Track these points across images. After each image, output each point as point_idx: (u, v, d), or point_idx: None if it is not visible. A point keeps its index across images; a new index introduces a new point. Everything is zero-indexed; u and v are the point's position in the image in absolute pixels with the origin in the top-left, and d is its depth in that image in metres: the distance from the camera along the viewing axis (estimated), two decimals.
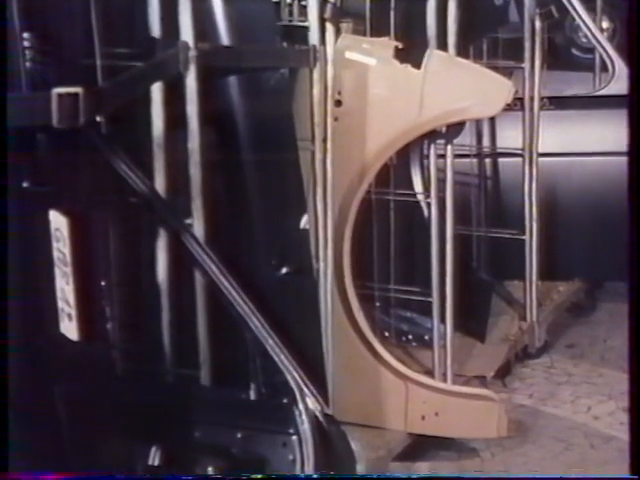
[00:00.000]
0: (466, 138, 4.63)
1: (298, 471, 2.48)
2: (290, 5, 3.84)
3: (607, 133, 5.05)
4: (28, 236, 2.26)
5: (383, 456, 3.99)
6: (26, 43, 2.23)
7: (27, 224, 2.26)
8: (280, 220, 3.37)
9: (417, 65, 3.90)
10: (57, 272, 2.26)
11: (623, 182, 4.80)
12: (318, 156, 3.52)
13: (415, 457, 4.13)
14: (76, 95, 2.14)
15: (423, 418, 4.06)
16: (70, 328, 2.27)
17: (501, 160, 5.08)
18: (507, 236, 4.88)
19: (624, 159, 4.80)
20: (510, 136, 4.95)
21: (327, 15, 3.54)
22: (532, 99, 4.83)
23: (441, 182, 4.13)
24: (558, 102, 5.07)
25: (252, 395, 2.71)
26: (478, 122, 4.88)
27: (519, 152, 4.86)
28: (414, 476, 2.62)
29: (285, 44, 3.60)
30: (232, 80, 3.18)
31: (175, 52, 2.91)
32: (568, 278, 5.37)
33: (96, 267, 2.31)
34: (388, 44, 4.00)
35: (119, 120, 2.59)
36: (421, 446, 4.16)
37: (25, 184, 2.23)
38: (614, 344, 5.10)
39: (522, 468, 4.15)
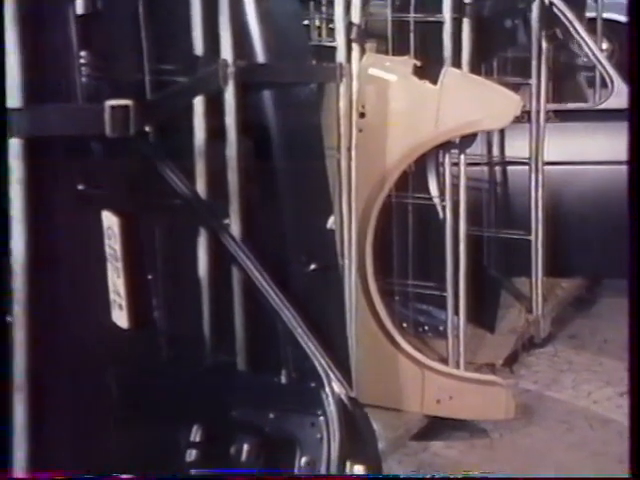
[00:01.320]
0: (477, 148, 4.62)
1: (325, 449, 2.48)
2: (319, 27, 3.85)
3: (606, 144, 5.05)
4: (83, 234, 2.26)
5: (401, 435, 4.00)
6: (82, 60, 2.23)
7: (82, 223, 2.26)
8: (309, 221, 3.37)
9: (434, 81, 3.90)
10: (109, 267, 2.27)
11: (621, 188, 4.80)
12: (343, 163, 3.53)
13: (430, 436, 4.13)
14: (127, 107, 2.14)
15: (438, 401, 4.06)
16: (121, 317, 2.27)
17: (510, 168, 5.08)
18: (515, 237, 4.89)
19: (622, 167, 4.82)
20: (518, 146, 4.95)
21: (353, 36, 3.55)
22: (538, 112, 4.82)
23: (455, 187, 4.14)
24: (562, 115, 5.04)
25: (283, 379, 2.70)
26: (489, 133, 4.86)
27: (526, 161, 4.88)
28: (415, 476, 2.50)
29: (314, 62, 3.60)
30: (266, 94, 3.19)
31: (215, 69, 2.92)
32: (571, 275, 5.36)
33: (144, 262, 2.31)
34: (408, 62, 4.01)
35: (165, 130, 2.60)
36: (436, 427, 4.17)
37: (80, 187, 2.23)
38: (612, 336, 5.08)
39: (528, 447, 4.15)
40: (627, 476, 2.03)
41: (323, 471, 2.47)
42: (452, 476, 2.87)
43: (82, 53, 2.23)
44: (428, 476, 2.56)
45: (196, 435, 2.48)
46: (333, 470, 2.46)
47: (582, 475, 3.60)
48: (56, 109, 2.14)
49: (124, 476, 2.21)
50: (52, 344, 2.13)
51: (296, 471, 2.49)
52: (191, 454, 2.47)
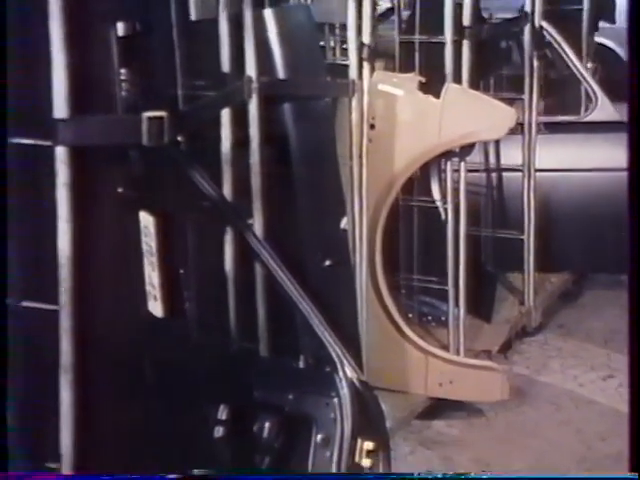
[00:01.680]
0: (476, 156, 4.61)
1: (338, 427, 2.48)
2: (333, 48, 3.86)
3: (591, 153, 5.07)
4: (122, 232, 2.26)
5: (407, 415, 4.00)
6: (122, 76, 2.23)
7: (121, 222, 2.26)
8: (324, 221, 3.38)
9: (437, 95, 3.90)
10: (145, 261, 2.27)
11: (604, 192, 4.85)
12: (355, 170, 3.54)
13: (433, 416, 4.13)
14: (161, 118, 2.15)
15: (440, 385, 4.06)
16: (155, 307, 2.28)
17: (505, 174, 5.07)
18: (509, 236, 4.88)
19: (606, 174, 4.85)
20: (512, 155, 4.94)
21: (364, 55, 3.55)
22: (530, 124, 4.82)
23: (455, 192, 4.14)
24: (551, 127, 5.04)
25: (301, 364, 2.71)
26: (486, 143, 4.86)
27: (519, 168, 4.87)
28: (415, 476, 2.52)
29: (329, 78, 3.61)
30: (286, 107, 3.21)
31: (241, 84, 2.93)
32: (559, 270, 5.35)
33: (176, 257, 2.31)
34: (413, 79, 4.01)
35: (196, 139, 2.60)
36: (438, 407, 4.16)
37: (120, 189, 2.24)
38: (596, 325, 5.11)
39: (520, 425, 4.15)
40: (628, 476, 1.95)
41: (336, 447, 2.47)
42: (463, 476, 2.82)
43: (122, 70, 2.23)
44: (439, 476, 2.50)
45: (223, 413, 2.48)
46: (345, 446, 2.46)
47: (582, 475, 3.52)
48: (98, 120, 2.14)
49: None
50: (94, 331, 2.13)
51: (312, 447, 2.49)
52: (219, 430, 2.47)
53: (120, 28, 2.16)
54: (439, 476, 2.65)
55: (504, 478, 3.43)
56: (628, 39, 1.83)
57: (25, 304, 2.08)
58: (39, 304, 2.08)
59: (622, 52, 8.71)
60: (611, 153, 4.84)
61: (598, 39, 6.48)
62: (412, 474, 2.56)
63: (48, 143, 2.04)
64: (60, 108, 2.04)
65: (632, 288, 1.67)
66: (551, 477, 3.62)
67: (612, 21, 6.25)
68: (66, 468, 2.09)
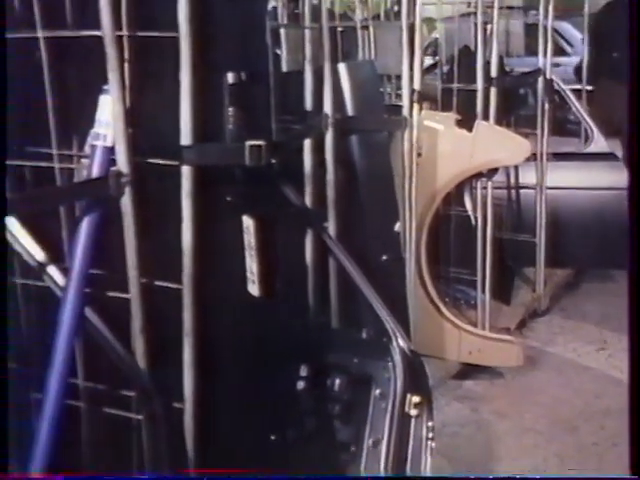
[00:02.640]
0: (500, 177, 4.58)
1: (392, 384, 2.46)
2: (390, 93, 3.84)
3: (588, 176, 5.02)
4: (229, 230, 2.27)
5: (444, 376, 3.98)
6: (230, 113, 2.23)
7: (229, 224, 2.26)
8: (382, 225, 3.36)
9: (469, 130, 3.88)
10: (246, 254, 2.27)
11: (598, 205, 4.81)
12: (406, 186, 3.51)
13: (463, 377, 4.11)
14: (260, 146, 2.15)
15: (470, 353, 4.05)
16: (254, 289, 2.27)
17: (522, 191, 5.02)
18: (525, 239, 4.84)
19: (600, 192, 4.82)
20: (528, 176, 4.89)
21: (414, 99, 3.53)
22: (542, 154, 4.77)
23: (484, 204, 4.11)
24: (558, 156, 4.99)
25: (364, 335, 2.70)
26: (507, 167, 4.81)
27: (533, 186, 4.82)
28: (415, 476, 2.44)
29: (387, 116, 3.59)
30: (354, 137, 3.19)
31: (320, 120, 2.92)
32: (563, 266, 5.29)
33: (271, 251, 2.31)
34: (451, 116, 4.01)
35: (285, 161, 2.60)
36: (467, 371, 4.14)
37: (228, 198, 2.24)
38: (591, 309, 5.04)
39: (531, 385, 4.11)
40: (628, 476, 1.71)
41: (390, 400, 2.45)
42: (474, 476, 2.68)
43: (230, 108, 2.23)
44: (429, 476, 2.41)
45: (304, 371, 2.47)
46: (398, 399, 2.44)
47: (582, 475, 3.30)
48: (213, 146, 2.15)
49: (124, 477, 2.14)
50: (207, 304, 2.14)
51: (372, 400, 2.48)
52: (300, 384, 2.46)
53: (230, 77, 2.16)
54: (439, 476, 2.51)
55: (504, 478, 3.16)
56: (629, 39, 1.62)
57: (157, 283, 2.10)
58: (168, 283, 2.10)
59: None
60: (604, 176, 4.93)
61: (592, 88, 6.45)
62: (413, 474, 2.40)
63: (176, 163, 2.06)
64: (186, 137, 2.06)
65: (632, 289, 1.59)
66: (551, 477, 3.36)
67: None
68: (188, 407, 2.11)
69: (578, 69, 6.16)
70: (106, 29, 1.91)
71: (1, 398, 1.66)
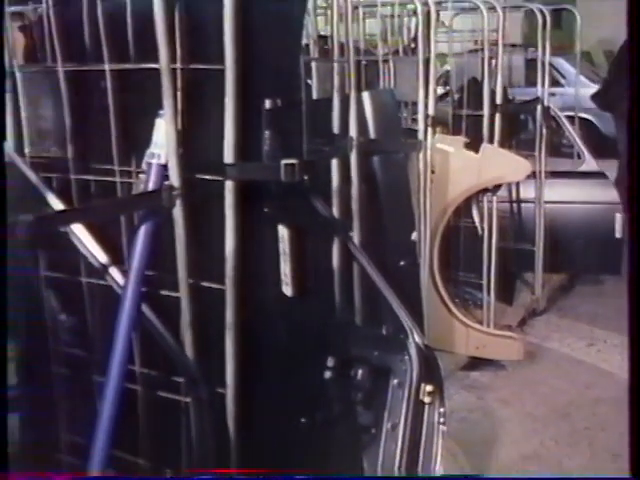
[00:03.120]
0: (503, 192, 4.56)
1: (408, 375, 2.43)
2: (406, 118, 3.83)
3: (580, 192, 4.98)
4: (266, 239, 2.25)
5: (453, 368, 3.95)
6: (267, 135, 2.22)
7: (266, 232, 2.24)
8: (400, 235, 3.34)
9: (477, 151, 3.86)
10: (281, 259, 2.26)
11: (590, 217, 4.79)
12: (421, 200, 3.50)
13: (471, 368, 4.08)
14: (294, 164, 2.14)
15: (476, 348, 4.01)
16: (287, 289, 2.26)
17: (523, 205, 4.97)
18: (525, 247, 4.80)
19: (591, 205, 4.81)
20: (528, 191, 4.85)
21: (428, 123, 3.51)
22: (540, 172, 4.74)
23: (489, 216, 4.09)
24: (554, 174, 4.95)
25: (384, 332, 2.69)
26: (510, 184, 4.78)
27: (533, 200, 4.78)
28: (416, 476, 2.39)
29: (405, 139, 3.58)
30: (376, 158, 3.18)
31: (346, 142, 2.91)
32: (559, 271, 5.24)
33: (302, 256, 2.30)
34: (461, 140, 3.98)
35: (316, 178, 2.59)
36: (474, 363, 4.11)
37: (265, 209, 2.23)
38: (584, 309, 4.98)
39: (531, 376, 4.07)
40: (628, 476, 1.59)
41: (407, 389, 2.43)
42: (452, 476, 2.60)
43: (267, 131, 2.22)
44: (429, 476, 2.37)
45: (331, 363, 2.46)
46: (413, 388, 2.42)
47: (582, 475, 3.19)
48: (252, 164, 2.14)
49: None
50: (247, 302, 2.13)
51: (390, 388, 2.46)
52: (327, 374, 2.45)
53: (267, 103, 2.15)
54: (440, 476, 2.41)
55: (505, 478, 3.05)
56: (628, 39, 1.51)
57: (203, 284, 2.10)
58: (212, 284, 2.10)
59: (599, 124, 8.60)
60: (594, 192, 4.90)
61: (583, 115, 6.41)
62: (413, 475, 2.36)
63: (221, 178, 2.06)
64: (229, 156, 2.06)
65: (632, 291, 1.48)
66: (551, 477, 3.20)
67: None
68: (229, 392, 2.11)
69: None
70: (162, 62, 1.93)
71: (1, 398, 1.56)
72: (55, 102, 2.18)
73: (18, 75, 2.22)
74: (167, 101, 1.94)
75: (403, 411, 2.38)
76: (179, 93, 2.01)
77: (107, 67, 2.04)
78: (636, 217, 1.44)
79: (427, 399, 2.40)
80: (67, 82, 2.13)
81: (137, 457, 2.20)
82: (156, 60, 1.93)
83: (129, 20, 2.03)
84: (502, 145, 4.16)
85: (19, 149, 2.19)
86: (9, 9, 2.20)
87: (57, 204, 1.88)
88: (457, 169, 3.82)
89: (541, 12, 4.70)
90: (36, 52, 2.25)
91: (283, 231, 2.25)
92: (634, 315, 1.47)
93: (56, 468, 2.28)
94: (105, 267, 1.97)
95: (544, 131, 4.74)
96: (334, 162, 2.81)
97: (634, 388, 1.50)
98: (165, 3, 1.91)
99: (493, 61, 4.21)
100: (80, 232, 1.93)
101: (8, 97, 2.23)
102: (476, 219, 4.41)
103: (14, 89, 2.22)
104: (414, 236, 3.41)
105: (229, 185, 2.07)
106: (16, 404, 2.23)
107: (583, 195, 4.96)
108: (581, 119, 5.67)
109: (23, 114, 2.23)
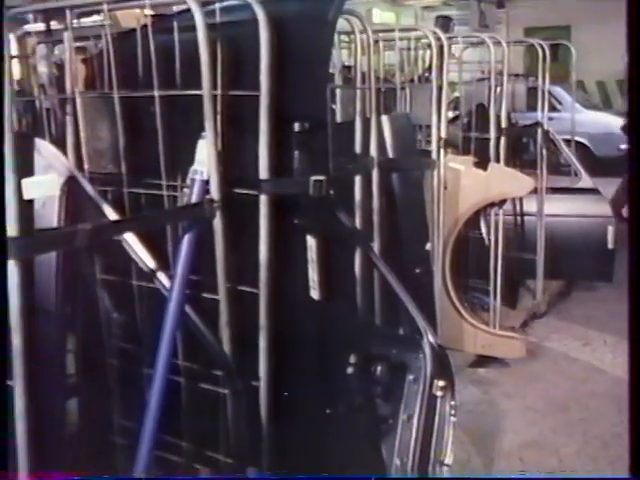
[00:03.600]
0: (508, 206, 4.48)
1: (422, 371, 2.39)
2: (421, 140, 3.79)
3: (577, 206, 4.86)
4: (296, 248, 2.22)
5: (462, 365, 3.88)
6: (296, 155, 2.20)
7: (296, 241, 2.22)
8: (416, 244, 3.30)
9: (485, 169, 3.81)
10: (309, 266, 2.23)
11: (587, 229, 4.71)
12: (435, 212, 3.44)
13: (477, 366, 4.01)
14: (321, 180, 2.12)
15: (483, 347, 3.94)
16: (314, 293, 2.23)
17: (526, 218, 4.88)
18: (527, 256, 4.71)
19: (587, 218, 4.73)
20: (530, 205, 4.77)
21: (441, 145, 3.47)
22: (541, 188, 4.66)
23: (495, 228, 4.03)
24: (554, 190, 4.86)
25: (401, 332, 2.65)
26: (514, 198, 4.70)
27: (535, 214, 4.70)
28: (415, 476, 2.29)
29: (420, 158, 3.54)
30: (394, 175, 3.14)
31: (367, 160, 2.88)
32: (557, 278, 5.14)
33: (328, 264, 2.26)
34: (470, 159, 3.92)
35: (340, 192, 2.56)
36: (481, 361, 4.04)
37: (295, 221, 2.21)
38: (580, 312, 4.86)
39: (532, 372, 3.99)
40: (628, 476, 1.48)
41: (421, 384, 2.39)
42: (452, 476, 2.51)
43: (296, 151, 2.20)
44: (430, 476, 2.29)
45: (352, 359, 2.42)
46: (427, 383, 2.38)
47: (582, 475, 3.03)
48: (284, 180, 2.12)
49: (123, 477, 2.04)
50: (279, 304, 2.11)
51: (406, 383, 2.42)
52: (350, 369, 2.41)
53: (296, 126, 2.14)
54: (440, 476, 2.33)
55: (505, 478, 2.90)
56: (628, 39, 1.41)
57: (240, 287, 2.08)
58: (248, 288, 2.08)
59: (592, 146, 8.49)
60: (589, 206, 4.78)
61: (578, 138, 6.32)
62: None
63: (256, 193, 2.05)
64: (263, 173, 2.04)
65: (632, 293, 1.39)
66: (551, 477, 3.00)
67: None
68: (263, 385, 2.08)
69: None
70: (205, 89, 1.93)
71: (1, 398, 1.47)
72: (110, 124, 2.18)
73: (78, 101, 2.22)
74: (209, 124, 1.94)
75: (418, 404, 2.33)
76: (219, 117, 2.00)
77: (156, 93, 2.03)
78: (636, 217, 1.35)
79: (439, 393, 2.36)
80: (121, 107, 2.13)
81: (180, 440, 2.17)
82: (199, 87, 1.92)
83: (176, 53, 2.03)
84: (507, 164, 4.09)
85: (79, 165, 2.19)
86: (74, 44, 2.22)
87: (112, 214, 1.87)
88: (467, 185, 3.76)
89: (541, 46, 4.66)
90: (95, 81, 2.25)
91: (311, 241, 2.22)
92: (634, 315, 1.37)
93: (109, 448, 2.27)
94: (153, 272, 1.96)
95: (544, 152, 4.66)
96: (357, 178, 2.78)
97: (634, 388, 1.37)
98: (208, 38, 1.91)
99: (498, 89, 4.16)
100: (131, 240, 1.91)
101: (69, 120, 2.25)
102: (484, 231, 4.34)
103: (74, 113, 2.23)
104: (428, 246, 3.36)
105: (263, 199, 2.05)
106: (74, 390, 2.23)
107: (579, 209, 4.88)
108: (576, 142, 5.59)
109: (82, 135, 2.24)
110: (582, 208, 4.86)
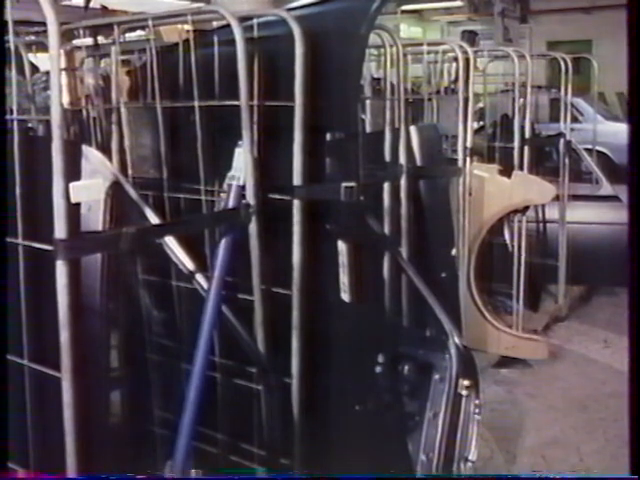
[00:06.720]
0: (531, 213, 4.40)
1: (448, 371, 2.35)
2: (446, 149, 3.75)
3: (598, 213, 4.76)
4: (327, 252, 2.20)
5: (486, 365, 3.80)
6: (328, 163, 2.18)
7: (327, 246, 2.19)
8: (442, 250, 3.25)
9: (509, 177, 3.76)
10: (340, 269, 2.21)
11: (607, 236, 4.61)
12: (460, 219, 3.39)
13: (501, 366, 3.94)
14: (352, 187, 2.10)
15: (507, 348, 3.87)
16: (345, 296, 2.20)
17: (548, 225, 4.79)
18: (550, 262, 4.62)
19: (608, 226, 4.63)
20: (552, 212, 4.68)
21: (467, 154, 3.42)
22: (563, 195, 4.58)
23: (519, 234, 3.96)
24: (576, 197, 4.77)
25: (428, 333, 2.61)
26: (537, 206, 4.61)
27: (557, 220, 4.62)
28: (415, 476, 2.23)
29: (447, 166, 3.50)
30: (422, 182, 3.09)
31: (396, 168, 2.84)
32: (578, 283, 5.04)
33: (358, 268, 2.24)
34: (495, 167, 3.87)
35: (370, 199, 2.53)
36: (505, 362, 3.97)
37: (327, 226, 2.19)
38: (600, 316, 4.75)
39: (553, 373, 3.91)
40: (628, 476, 1.42)
41: (447, 383, 2.35)
42: (452, 476, 2.44)
43: (328, 159, 2.18)
44: (431, 476, 2.23)
45: (381, 359, 2.40)
46: (453, 383, 2.34)
47: (582, 475, 2.92)
48: (317, 186, 2.10)
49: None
50: (312, 305, 2.09)
51: (432, 383, 2.38)
52: (378, 368, 2.39)
53: (329, 136, 2.12)
54: (441, 476, 2.27)
55: (505, 478, 2.76)
56: (628, 39, 1.36)
57: (274, 289, 2.07)
58: (281, 290, 2.06)
59: (613, 155, 8.37)
60: (610, 213, 4.66)
61: (599, 148, 6.22)
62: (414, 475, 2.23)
63: (290, 198, 2.03)
64: (297, 179, 2.03)
65: (632, 295, 1.37)
66: (551, 477, 2.93)
67: None
68: (295, 382, 2.06)
69: None
70: (242, 100, 1.92)
71: (1, 398, 1.44)
72: (153, 132, 2.19)
73: (123, 110, 2.24)
74: (245, 132, 1.93)
75: (443, 402, 2.30)
76: (255, 126, 1.99)
77: (196, 104, 2.03)
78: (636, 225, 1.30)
79: (464, 392, 2.32)
80: (163, 116, 2.14)
81: (216, 432, 2.16)
82: (237, 98, 1.92)
83: (216, 65, 2.02)
84: (530, 172, 4.03)
85: (123, 171, 2.20)
86: (120, 57, 2.24)
87: (154, 218, 1.87)
88: (491, 193, 3.70)
89: (563, 60, 4.58)
90: (138, 92, 2.26)
91: (342, 245, 2.20)
92: (634, 318, 1.36)
93: (149, 438, 2.26)
94: (192, 273, 1.95)
95: (566, 161, 4.59)
96: (386, 186, 2.74)
97: (634, 388, 1.36)
98: (246, 52, 1.90)
99: (522, 100, 4.10)
100: (171, 242, 1.91)
101: (114, 128, 2.26)
102: (507, 237, 4.27)
103: (119, 122, 2.25)
104: (454, 251, 3.31)
105: (297, 204, 2.04)
106: (117, 383, 2.24)
107: (600, 216, 4.78)
108: (597, 151, 5.48)
109: (126, 142, 2.25)
110: (603, 215, 4.76)
